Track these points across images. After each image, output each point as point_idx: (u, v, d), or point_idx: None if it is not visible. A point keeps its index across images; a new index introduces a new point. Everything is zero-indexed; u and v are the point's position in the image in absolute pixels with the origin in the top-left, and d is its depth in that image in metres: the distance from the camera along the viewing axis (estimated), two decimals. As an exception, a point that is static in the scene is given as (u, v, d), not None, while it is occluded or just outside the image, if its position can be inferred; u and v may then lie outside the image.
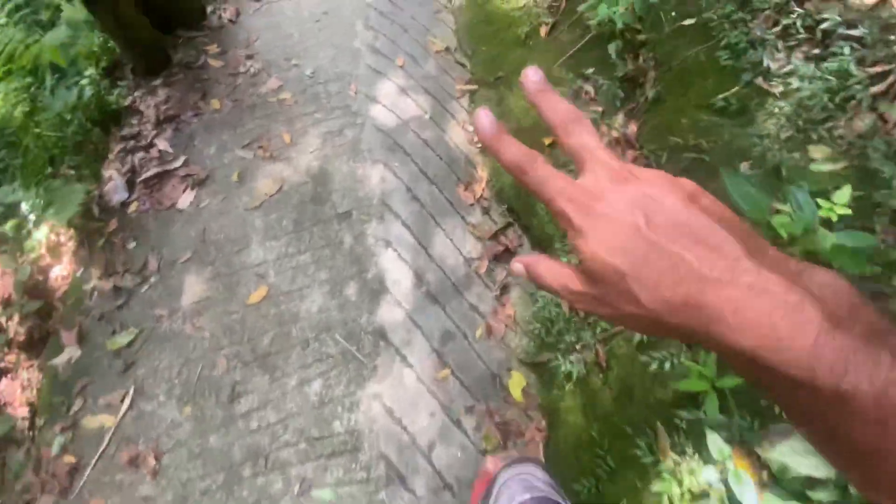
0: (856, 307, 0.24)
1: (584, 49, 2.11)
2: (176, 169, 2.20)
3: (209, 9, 2.88)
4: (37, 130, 2.24)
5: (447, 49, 2.69)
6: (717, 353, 0.26)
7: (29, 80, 2.56)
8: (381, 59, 2.63)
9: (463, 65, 2.63)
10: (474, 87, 2.51)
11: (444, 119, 2.39)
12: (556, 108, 0.31)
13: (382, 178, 2.16)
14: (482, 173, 2.18)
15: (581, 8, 1.96)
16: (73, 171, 2.26)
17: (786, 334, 0.22)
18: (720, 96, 1.59)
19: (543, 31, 2.31)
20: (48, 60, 2.36)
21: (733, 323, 0.23)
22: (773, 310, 0.23)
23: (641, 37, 1.84)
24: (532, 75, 0.32)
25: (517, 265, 0.33)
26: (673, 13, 1.79)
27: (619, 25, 1.70)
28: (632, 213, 0.27)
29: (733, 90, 1.57)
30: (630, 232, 0.26)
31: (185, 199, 2.11)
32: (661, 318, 0.26)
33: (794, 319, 0.22)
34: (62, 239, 2.37)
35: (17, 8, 2.44)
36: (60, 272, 2.29)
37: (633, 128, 1.80)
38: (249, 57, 2.65)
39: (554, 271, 0.31)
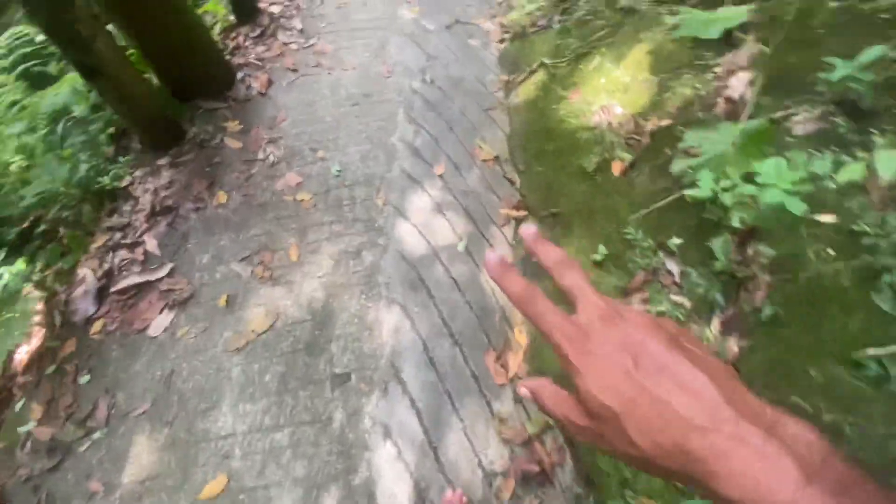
0: (827, 459, 0.24)
1: (671, 208, 1.68)
2: (158, 280, 1.86)
3: (239, 75, 2.59)
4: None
5: (496, 159, 2.31)
6: (706, 496, 0.26)
7: (26, 137, 2.30)
8: (419, 164, 2.27)
9: (512, 182, 2.24)
10: (523, 213, 2.10)
11: (482, 252, 1.99)
12: (550, 253, 0.35)
13: (396, 329, 1.76)
14: (520, 338, 1.76)
15: (673, 169, 1.53)
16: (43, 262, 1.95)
17: (766, 487, 0.24)
18: (871, 352, 1.13)
19: (617, 168, 1.90)
20: (43, 122, 2.09)
21: (718, 471, 0.25)
22: (754, 462, 0.24)
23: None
24: (529, 231, 0.36)
25: (523, 389, 0.35)
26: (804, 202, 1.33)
27: (735, 223, 1.26)
28: (620, 356, 0.29)
29: (893, 350, 1.11)
30: (620, 373, 0.29)
31: (160, 324, 1.76)
32: (654, 461, 0.27)
33: (774, 473, 0.24)
34: (35, 311, 2.06)
35: (24, 58, 2.19)
36: (29, 349, 1.98)
37: (733, 348, 1.34)
38: (272, 141, 2.33)
39: (558, 401, 0.33)
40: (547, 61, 2.53)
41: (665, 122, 1.89)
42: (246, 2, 2.94)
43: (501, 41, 2.93)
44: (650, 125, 1.92)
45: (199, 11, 2.96)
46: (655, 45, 2.13)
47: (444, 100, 2.58)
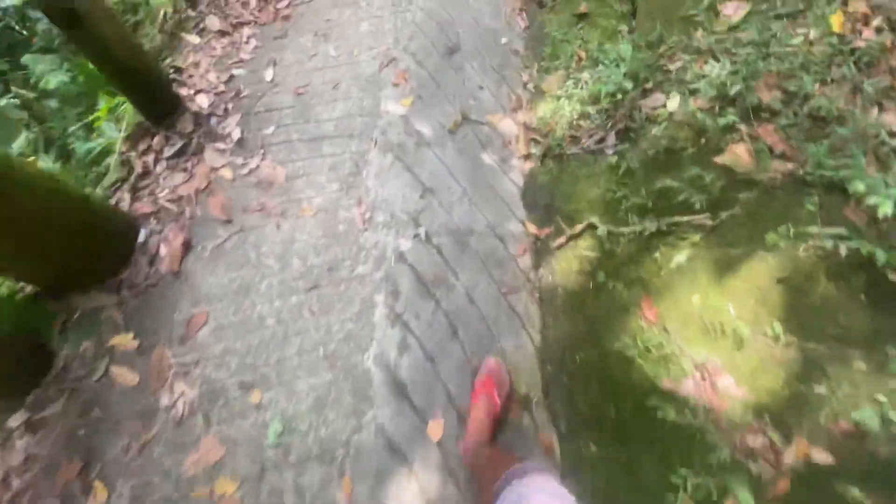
0: None
1: None
2: None
3: (141, 235, 1.79)
4: None
5: (526, 400, 1.54)
6: None
7: None
8: (406, 415, 1.54)
9: (548, 448, 1.48)
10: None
11: None
12: None
13: None
14: None
15: None
16: None
17: None
18: None
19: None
20: None
21: None
22: None
23: None
24: None
25: None
26: None
27: None
28: None
29: None
30: None
31: None
32: None
33: None
34: None
35: None
36: None
37: None
38: (183, 372, 1.58)
39: None
40: (598, 224, 1.71)
41: (822, 456, 1.11)
42: (160, 92, 2.06)
43: (527, 156, 2.07)
44: (791, 453, 1.14)
45: (100, 113, 2.11)
46: (795, 271, 1.31)
47: (444, 274, 1.78)
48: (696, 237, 1.50)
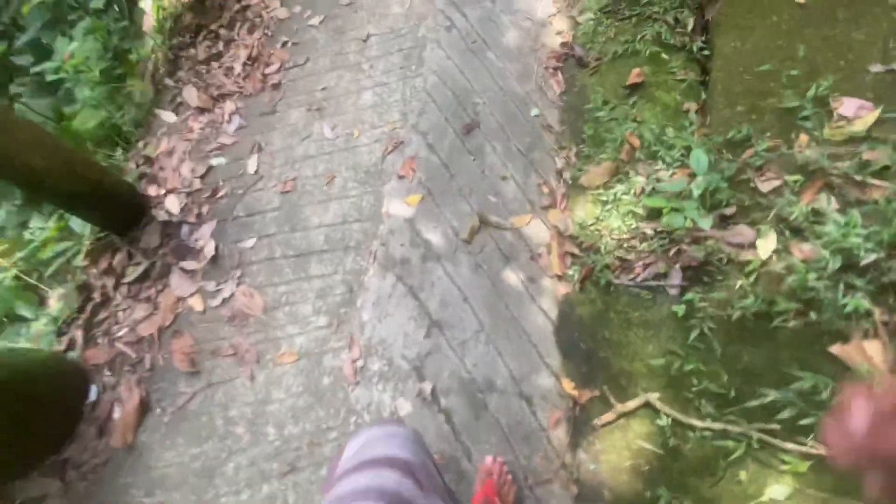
0: None
1: None
2: None
3: (92, 393, 1.51)
4: None
5: None
6: None
7: None
8: None
9: None
10: None
11: None
12: None
13: None
14: None
15: None
16: None
17: None
18: None
19: None
20: None
21: None
22: None
23: None
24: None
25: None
26: None
27: None
28: None
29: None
30: None
31: None
32: None
33: None
34: None
35: None
36: None
37: None
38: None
39: None
40: (658, 407, 1.29)
41: None
42: (119, 205, 1.76)
43: (560, 276, 1.66)
44: None
45: (50, 234, 1.85)
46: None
47: (454, 453, 1.41)
48: (803, 466, 1.08)
